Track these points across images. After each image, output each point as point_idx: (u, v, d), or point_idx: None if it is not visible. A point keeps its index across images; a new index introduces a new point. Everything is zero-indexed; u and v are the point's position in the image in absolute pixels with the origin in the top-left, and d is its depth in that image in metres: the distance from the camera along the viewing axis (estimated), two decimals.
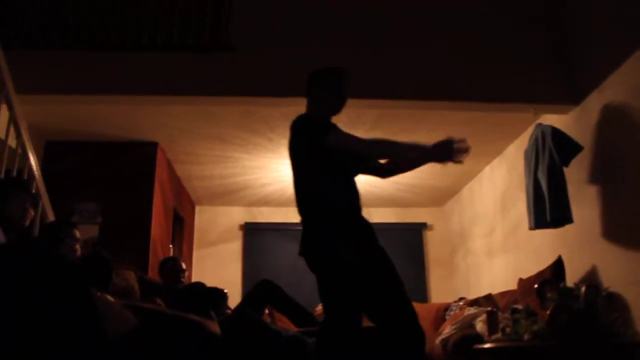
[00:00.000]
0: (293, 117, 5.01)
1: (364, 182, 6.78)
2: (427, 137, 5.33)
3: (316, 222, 2.57)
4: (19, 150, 3.84)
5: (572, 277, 4.20)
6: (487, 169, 6.42)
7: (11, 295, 1.15)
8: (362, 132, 5.29)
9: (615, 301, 3.78)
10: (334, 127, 2.65)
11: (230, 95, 4.37)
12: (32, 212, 3.06)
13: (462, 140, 2.56)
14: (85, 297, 1.22)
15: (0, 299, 1.14)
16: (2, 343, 1.11)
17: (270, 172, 6.56)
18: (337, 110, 2.78)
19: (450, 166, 2.61)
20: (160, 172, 5.77)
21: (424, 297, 7.49)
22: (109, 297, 1.99)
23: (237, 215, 7.94)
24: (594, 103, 4.23)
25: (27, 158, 3.91)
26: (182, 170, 6.48)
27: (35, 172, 3.99)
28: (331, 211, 2.59)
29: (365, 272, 2.46)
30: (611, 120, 4.07)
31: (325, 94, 2.76)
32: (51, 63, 4.23)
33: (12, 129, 3.78)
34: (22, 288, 1.16)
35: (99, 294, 1.87)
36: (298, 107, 4.76)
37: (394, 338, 2.40)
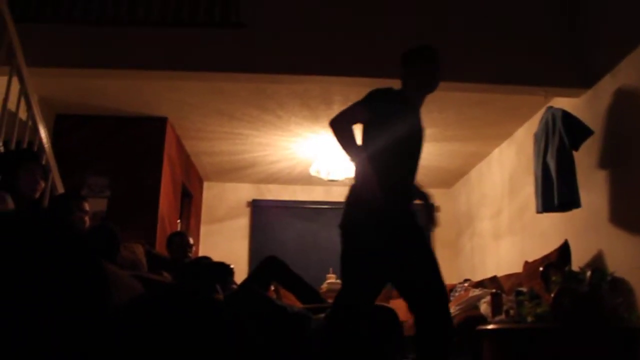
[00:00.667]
0: (302, 94, 5.08)
1: None
2: (438, 117, 5.42)
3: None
4: (30, 123, 3.86)
5: (578, 261, 4.20)
6: (496, 151, 6.40)
7: (22, 262, 1.17)
8: None
9: (620, 286, 3.79)
10: (370, 102, 2.60)
11: (240, 72, 4.36)
12: (42, 184, 3.09)
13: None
14: (95, 265, 1.24)
15: (12, 265, 1.16)
16: (12, 307, 1.13)
17: (278, 150, 6.57)
18: (422, 89, 2.73)
19: None
20: (169, 148, 5.79)
21: None
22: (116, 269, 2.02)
23: (245, 192, 7.97)
24: (607, 87, 4.19)
25: (38, 131, 3.93)
26: (191, 146, 6.50)
27: (46, 145, 4.01)
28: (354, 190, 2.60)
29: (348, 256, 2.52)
30: (623, 104, 4.03)
31: (409, 74, 2.74)
32: (62, 36, 4.23)
33: (22, 102, 3.80)
34: (34, 254, 1.18)
35: (110, 265, 1.90)
36: (307, 85, 4.81)
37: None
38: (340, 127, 2.53)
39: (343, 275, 2.54)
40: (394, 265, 2.51)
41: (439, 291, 2.53)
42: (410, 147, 2.66)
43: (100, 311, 1.20)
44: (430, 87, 2.73)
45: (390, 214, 2.48)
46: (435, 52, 2.74)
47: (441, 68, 2.74)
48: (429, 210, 2.76)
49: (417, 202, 2.79)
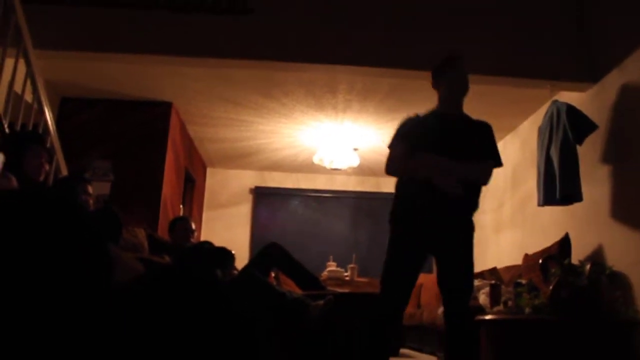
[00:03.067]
0: (307, 82, 5.07)
1: (376, 152, 6.76)
2: None
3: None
4: (35, 106, 3.88)
5: (578, 254, 4.22)
6: (500, 144, 6.36)
7: (27, 239, 1.19)
8: (376, 101, 5.32)
9: (618, 280, 3.80)
10: (398, 142, 2.81)
11: (246, 59, 4.36)
12: (47, 167, 3.11)
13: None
14: (99, 244, 1.26)
15: (18, 243, 1.18)
16: (14, 284, 1.15)
17: (283, 137, 6.58)
18: (457, 98, 2.90)
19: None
20: (174, 133, 5.81)
21: (429, 267, 7.54)
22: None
23: (248, 178, 7.99)
24: (613, 82, 4.18)
25: (43, 113, 3.95)
26: (195, 131, 6.51)
27: (51, 128, 4.03)
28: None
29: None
30: (629, 100, 4.03)
31: (441, 87, 2.93)
32: (68, 19, 4.23)
33: (28, 84, 3.81)
34: (39, 232, 1.20)
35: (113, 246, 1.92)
36: (313, 73, 4.80)
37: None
38: (402, 169, 2.79)
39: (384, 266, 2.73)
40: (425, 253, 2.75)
41: (462, 291, 2.73)
42: (450, 150, 2.74)
43: (103, 291, 1.22)
44: (461, 96, 2.90)
45: (429, 208, 2.69)
46: (456, 61, 2.93)
47: (465, 76, 2.90)
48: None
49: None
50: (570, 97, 4.55)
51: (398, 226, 2.75)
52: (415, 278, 2.73)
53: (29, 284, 1.15)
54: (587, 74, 4.42)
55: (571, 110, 4.23)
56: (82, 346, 1.18)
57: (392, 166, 2.75)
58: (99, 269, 1.22)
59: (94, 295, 1.20)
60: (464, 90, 2.87)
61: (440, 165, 2.63)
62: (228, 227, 7.69)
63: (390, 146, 2.81)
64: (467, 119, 2.91)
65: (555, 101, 4.45)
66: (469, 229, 2.82)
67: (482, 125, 2.92)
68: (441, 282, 2.78)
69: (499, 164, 2.91)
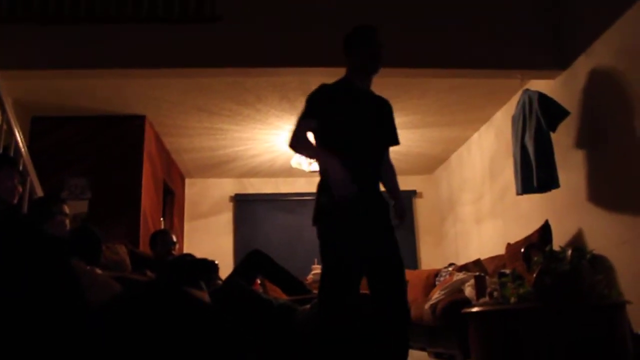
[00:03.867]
0: (281, 87, 5.07)
1: None
2: (417, 104, 5.44)
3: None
4: (5, 127, 3.81)
5: (558, 240, 4.26)
6: (476, 135, 6.44)
7: None
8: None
9: (600, 263, 3.85)
10: (311, 110, 2.66)
11: (217, 67, 4.34)
12: (20, 189, 3.05)
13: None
14: (64, 268, 1.23)
15: None
16: None
17: (259, 143, 6.55)
18: (367, 71, 2.72)
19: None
20: (149, 146, 5.76)
21: (414, 263, 7.58)
22: (98, 270, 2.00)
23: (228, 186, 7.95)
24: (581, 67, 4.24)
25: (13, 134, 3.88)
26: (171, 143, 6.46)
27: (22, 148, 3.96)
28: (321, 185, 2.62)
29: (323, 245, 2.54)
30: (598, 84, 4.08)
31: (352, 57, 2.74)
32: (34, 37, 4.17)
33: None
34: (2, 258, 1.17)
35: (87, 267, 1.89)
36: (286, 77, 4.79)
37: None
38: (300, 146, 2.64)
39: (324, 266, 2.54)
40: (364, 246, 2.52)
41: (398, 275, 2.54)
42: (363, 129, 2.66)
43: (73, 310, 1.20)
44: (371, 70, 2.72)
45: (355, 197, 2.49)
46: (372, 32, 2.73)
47: (382, 48, 2.71)
48: (398, 207, 2.78)
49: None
50: (541, 85, 4.60)
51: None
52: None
53: None
54: (556, 61, 4.48)
55: (543, 98, 4.28)
56: None
57: (293, 142, 2.62)
58: (65, 289, 1.19)
59: (64, 317, 1.17)
60: (376, 64, 2.71)
61: (332, 168, 2.47)
62: (210, 237, 7.65)
63: (298, 120, 2.66)
64: (372, 93, 2.80)
65: (527, 90, 4.50)
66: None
67: (385, 102, 2.83)
68: (376, 273, 2.62)
69: (396, 142, 2.86)
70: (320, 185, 2.61)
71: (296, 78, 4.84)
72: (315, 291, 3.21)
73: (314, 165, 6.34)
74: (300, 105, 5.45)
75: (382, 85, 5.05)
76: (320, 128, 2.66)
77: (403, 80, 4.92)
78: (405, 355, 2.48)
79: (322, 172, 2.61)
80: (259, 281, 4.28)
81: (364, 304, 2.64)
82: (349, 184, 2.39)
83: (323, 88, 2.70)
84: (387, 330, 2.48)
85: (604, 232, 3.96)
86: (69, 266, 1.27)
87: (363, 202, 2.55)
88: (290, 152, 6.52)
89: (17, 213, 2.93)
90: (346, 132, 2.62)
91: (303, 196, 7.70)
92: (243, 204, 7.89)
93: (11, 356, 1.14)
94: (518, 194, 4.48)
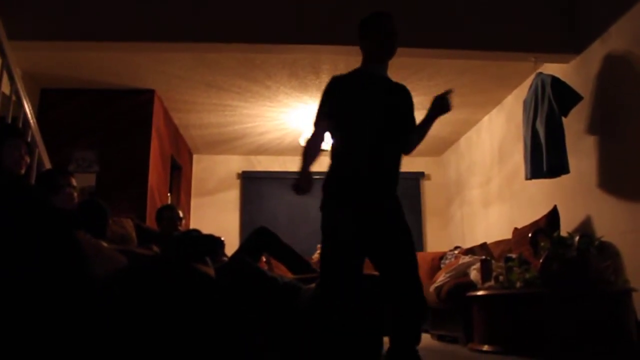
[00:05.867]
0: (291, 64, 5.02)
1: None
2: (427, 85, 5.38)
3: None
4: (14, 98, 3.80)
5: (566, 226, 4.23)
6: (486, 118, 6.39)
7: None
8: None
9: (607, 250, 3.83)
10: (323, 112, 2.67)
11: (229, 42, 4.29)
12: (27, 159, 3.04)
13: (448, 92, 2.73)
14: (68, 239, 1.23)
15: None
16: None
17: (268, 121, 6.53)
18: (383, 56, 2.71)
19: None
20: (158, 121, 5.74)
21: (420, 245, 7.58)
22: (104, 243, 2.00)
23: (235, 163, 7.94)
24: (596, 52, 4.17)
25: (22, 106, 3.87)
26: (180, 118, 6.44)
27: (31, 120, 3.95)
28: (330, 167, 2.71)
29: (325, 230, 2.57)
30: (613, 70, 4.02)
31: (367, 43, 2.71)
32: (44, 8, 4.13)
33: (5, 76, 3.73)
34: (2, 229, 1.17)
35: (93, 239, 1.89)
36: (296, 54, 4.75)
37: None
38: (306, 154, 2.72)
39: (323, 250, 2.55)
40: (366, 235, 2.52)
41: (410, 261, 2.52)
42: (375, 115, 2.64)
43: (77, 282, 1.19)
44: (386, 56, 2.71)
45: (360, 187, 2.56)
46: (387, 18, 2.70)
47: (393, 32, 2.68)
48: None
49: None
50: (554, 69, 4.54)
51: None
52: None
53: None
54: (570, 45, 4.41)
55: (556, 82, 4.22)
56: (60, 338, 1.15)
57: (305, 148, 2.71)
58: (70, 260, 1.19)
59: (68, 289, 1.17)
60: (391, 49, 2.69)
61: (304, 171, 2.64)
62: (217, 214, 7.66)
63: (314, 123, 2.71)
64: (389, 80, 2.77)
65: (540, 73, 4.44)
66: None
67: (403, 88, 2.81)
68: (387, 260, 2.63)
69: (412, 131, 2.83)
70: (325, 178, 2.70)
71: (306, 55, 4.80)
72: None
73: (324, 144, 6.31)
74: (310, 84, 5.47)
75: (391, 65, 5.02)
76: (334, 120, 2.66)
77: (413, 60, 4.86)
78: (418, 338, 2.46)
79: (329, 167, 2.72)
80: (264, 259, 4.28)
81: (370, 285, 2.64)
82: (305, 189, 2.62)
83: (334, 81, 2.69)
84: (400, 312, 2.46)
85: (613, 220, 3.93)
86: (74, 237, 1.26)
87: (371, 188, 2.56)
88: (299, 130, 6.54)
89: (24, 183, 2.93)
90: (358, 120, 2.62)
91: (319, 174, 7.67)
92: (250, 182, 7.88)
93: (15, 327, 1.13)
94: (527, 178, 4.45)
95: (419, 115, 2.79)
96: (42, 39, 4.16)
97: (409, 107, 2.81)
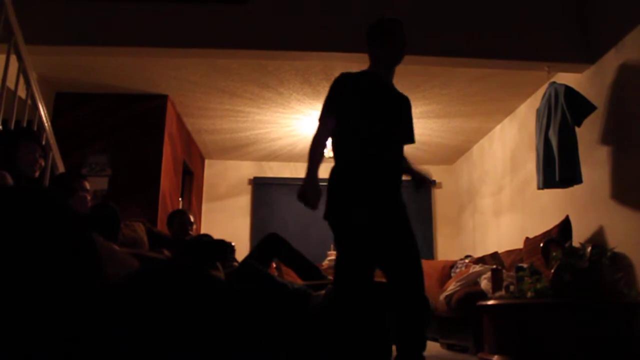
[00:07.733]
0: (304, 71, 5.04)
1: None
2: (440, 94, 5.38)
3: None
4: (29, 101, 3.84)
5: (578, 237, 4.21)
6: (498, 127, 6.37)
7: (11, 235, 1.17)
8: None
9: (620, 261, 3.80)
10: (331, 107, 2.63)
11: (242, 48, 4.32)
12: (42, 162, 3.08)
13: None
14: (84, 240, 1.24)
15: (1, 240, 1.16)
16: (2, 286, 1.13)
17: (280, 127, 6.55)
18: (392, 62, 2.70)
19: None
20: (170, 125, 5.78)
21: (430, 254, 7.55)
22: (116, 247, 2.01)
23: (247, 169, 7.97)
24: (610, 62, 4.15)
25: (37, 109, 3.91)
26: (192, 123, 6.48)
27: (45, 123, 4.00)
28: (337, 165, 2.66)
29: (342, 232, 2.54)
30: (627, 80, 4.00)
31: (376, 49, 2.71)
32: (61, 13, 4.19)
33: (21, 80, 3.77)
34: (23, 227, 1.18)
35: (105, 242, 1.90)
36: (309, 61, 4.77)
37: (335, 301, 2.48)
38: (312, 153, 2.61)
39: (338, 258, 2.53)
40: (379, 238, 2.52)
41: (415, 266, 2.52)
42: (384, 120, 2.63)
43: (92, 284, 1.20)
44: (394, 62, 2.70)
45: (371, 191, 2.54)
46: (397, 24, 2.70)
47: (404, 40, 2.68)
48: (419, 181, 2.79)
49: (409, 177, 2.81)
50: (568, 78, 4.52)
51: None
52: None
53: (16, 280, 1.13)
54: (584, 54, 4.39)
55: (569, 91, 4.20)
56: (73, 338, 1.16)
57: (311, 147, 2.61)
58: (86, 262, 1.20)
59: (83, 289, 1.18)
60: (399, 56, 2.68)
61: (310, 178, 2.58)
62: (228, 219, 7.69)
63: (320, 119, 2.63)
64: (394, 87, 2.76)
65: (553, 83, 4.42)
66: None
67: (405, 98, 2.80)
68: (393, 265, 2.62)
69: (412, 140, 2.81)
70: (333, 181, 2.66)
71: (319, 62, 4.82)
72: (331, 277, 3.21)
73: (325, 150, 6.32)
74: (322, 90, 5.47)
75: (405, 73, 5.02)
76: (342, 119, 2.62)
77: (426, 68, 4.87)
78: (423, 344, 2.47)
79: (334, 173, 2.66)
80: (274, 265, 4.29)
81: (380, 292, 2.63)
82: (314, 200, 2.55)
83: (344, 78, 2.68)
84: (405, 318, 2.47)
85: (626, 230, 3.89)
86: (90, 239, 1.28)
87: (381, 194, 2.55)
88: (310, 136, 6.53)
89: (39, 186, 2.96)
90: (368, 123, 2.60)
91: (322, 182, 7.67)
92: (261, 187, 7.90)
93: (28, 327, 1.15)
94: (539, 188, 4.42)
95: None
96: (58, 44, 4.22)
97: (409, 119, 2.82)
